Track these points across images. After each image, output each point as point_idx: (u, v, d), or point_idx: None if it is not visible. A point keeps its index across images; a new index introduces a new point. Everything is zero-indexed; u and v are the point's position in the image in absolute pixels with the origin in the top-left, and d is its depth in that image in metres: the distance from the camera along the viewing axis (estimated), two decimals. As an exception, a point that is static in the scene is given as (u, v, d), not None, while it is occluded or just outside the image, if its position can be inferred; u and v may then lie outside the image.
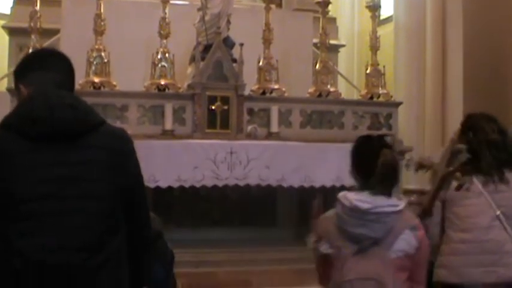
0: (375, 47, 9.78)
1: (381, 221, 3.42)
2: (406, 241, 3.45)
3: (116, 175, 2.67)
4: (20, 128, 2.62)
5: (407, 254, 3.45)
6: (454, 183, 4.44)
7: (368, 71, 9.79)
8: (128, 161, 2.76)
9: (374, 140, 3.84)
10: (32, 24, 8.61)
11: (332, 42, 10.62)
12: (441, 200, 4.47)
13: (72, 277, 2.51)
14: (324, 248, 3.55)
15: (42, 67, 2.85)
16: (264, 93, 9.17)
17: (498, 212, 4.28)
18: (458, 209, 4.37)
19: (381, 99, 9.73)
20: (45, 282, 2.50)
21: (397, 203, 3.52)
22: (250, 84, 9.08)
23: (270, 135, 8.79)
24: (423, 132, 11.02)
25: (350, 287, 3.39)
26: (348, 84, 11.02)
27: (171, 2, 9.00)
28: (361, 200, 3.45)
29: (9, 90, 8.31)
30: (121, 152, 2.73)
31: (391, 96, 9.86)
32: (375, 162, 3.54)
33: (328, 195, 8.47)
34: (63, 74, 2.87)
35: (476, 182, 4.36)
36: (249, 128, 8.67)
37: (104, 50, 8.59)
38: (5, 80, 9.84)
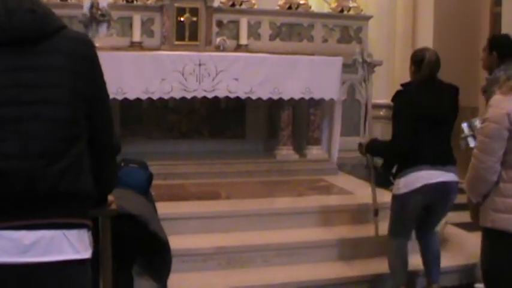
0: (346, -41, 9.69)
1: None
2: None
3: (77, 80, 2.62)
4: None
5: None
6: None
7: (339, -16, 9.71)
8: (90, 66, 2.69)
9: None
10: None
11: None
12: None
13: (34, 183, 2.49)
14: None
15: None
16: (233, 5, 9.10)
17: None
18: None
19: (352, 12, 9.69)
20: (7, 189, 2.48)
21: None
22: (220, -5, 9.00)
23: (239, 48, 8.76)
24: (394, 46, 11.01)
25: None
26: (319, -3, 10.92)
27: None
28: None
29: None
30: (83, 57, 2.66)
31: (362, 10, 9.81)
32: None
33: (297, 107, 8.52)
34: None
35: None
36: (218, 40, 8.62)
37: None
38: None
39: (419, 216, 5.49)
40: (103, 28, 6.09)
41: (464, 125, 5.61)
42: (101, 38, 7.87)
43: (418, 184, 5.26)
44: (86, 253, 2.66)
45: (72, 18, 7.98)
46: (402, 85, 5.62)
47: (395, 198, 5.48)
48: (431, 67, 5.43)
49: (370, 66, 9.17)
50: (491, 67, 6.10)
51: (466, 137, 5.63)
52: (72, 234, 2.59)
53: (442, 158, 5.36)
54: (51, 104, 2.56)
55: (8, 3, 2.57)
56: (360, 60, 6.99)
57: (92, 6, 5.03)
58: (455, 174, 5.41)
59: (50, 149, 2.53)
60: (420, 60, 5.46)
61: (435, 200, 5.39)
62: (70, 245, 2.57)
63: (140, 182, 4.96)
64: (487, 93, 5.85)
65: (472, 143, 5.52)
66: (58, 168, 2.53)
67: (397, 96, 5.52)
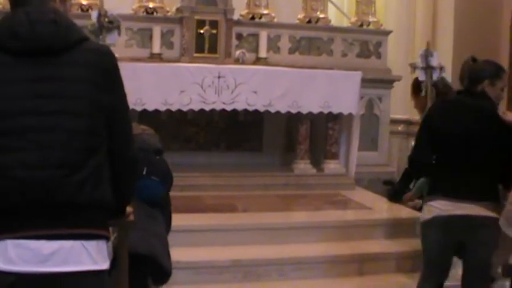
0: (366, -26, 9.69)
1: None
2: None
3: (97, 92, 2.63)
4: (0, 43, 2.57)
5: None
6: None
7: (359, -2, 9.72)
8: (110, 78, 2.71)
9: None
10: None
11: (323, -32, 10.50)
12: None
13: (53, 193, 2.51)
14: None
15: None
16: (253, 18, 9.11)
17: None
18: None
19: (371, 27, 9.68)
20: (28, 198, 2.49)
21: None
22: (240, 9, 9.01)
23: (258, 61, 8.75)
24: (412, 61, 10.97)
25: None
26: (338, 12, 10.91)
27: None
28: None
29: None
30: (103, 69, 2.68)
31: (381, 25, 9.81)
32: None
33: (315, 121, 8.51)
34: None
35: None
36: (237, 52, 8.62)
37: (91, -29, 8.47)
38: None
39: (444, 258, 4.69)
40: (114, 35, 6.11)
41: None
42: (120, 48, 7.89)
43: (429, 215, 4.65)
44: (104, 264, 2.66)
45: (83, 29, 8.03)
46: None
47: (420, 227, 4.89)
48: (460, 78, 4.90)
49: (389, 82, 9.23)
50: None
51: None
52: (91, 245, 2.59)
53: (463, 191, 4.51)
54: (71, 115, 2.57)
55: (31, 14, 2.60)
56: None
57: (99, 15, 5.05)
58: (485, 208, 4.49)
59: (69, 160, 2.54)
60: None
61: (458, 237, 4.57)
62: (89, 256, 2.58)
63: (158, 198, 4.95)
64: None
65: None
66: (77, 179, 2.54)
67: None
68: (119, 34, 6.54)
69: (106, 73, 2.69)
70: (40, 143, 2.51)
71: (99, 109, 2.64)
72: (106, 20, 5.22)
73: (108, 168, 2.70)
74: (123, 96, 2.80)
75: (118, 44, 7.93)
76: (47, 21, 2.59)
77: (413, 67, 6.05)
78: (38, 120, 2.53)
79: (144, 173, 4.79)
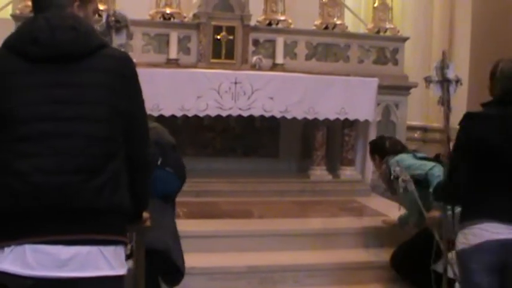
0: (382, -19, 9.68)
1: None
2: None
3: (115, 98, 2.65)
4: (20, 48, 2.60)
5: None
6: None
7: (375, 5, 9.70)
8: (128, 84, 2.73)
9: None
10: None
11: (340, -26, 10.50)
12: None
13: (71, 199, 2.53)
14: None
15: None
16: (270, 24, 9.12)
17: None
18: None
19: (388, 33, 9.66)
20: (45, 203, 2.51)
21: None
22: (257, 15, 9.03)
23: (274, 67, 8.76)
24: (429, 68, 10.95)
25: None
26: (355, 18, 10.91)
27: None
28: None
29: (13, 16, 8.27)
30: (122, 75, 2.70)
31: (398, 31, 9.79)
32: None
33: (331, 127, 8.50)
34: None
35: None
36: (254, 58, 8.63)
37: (109, -23, 8.51)
38: (10, 6, 9.77)
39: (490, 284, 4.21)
40: (122, 35, 6.08)
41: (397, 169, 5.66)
42: (137, 53, 7.93)
43: (478, 240, 4.09)
44: (121, 269, 2.68)
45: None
46: (482, 105, 4.35)
47: (457, 256, 4.37)
48: (504, 83, 4.20)
49: (406, 89, 9.20)
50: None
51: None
52: (109, 250, 2.61)
53: None
54: (88, 121, 2.59)
55: (51, 20, 2.62)
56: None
57: (107, 16, 5.06)
58: None
59: (86, 166, 2.55)
60: (493, 74, 4.27)
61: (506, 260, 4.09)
62: (106, 261, 2.60)
63: (172, 192, 4.97)
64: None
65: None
66: (95, 184, 2.56)
67: (460, 122, 4.25)
68: (128, 34, 6.53)
69: (125, 79, 2.71)
70: (57, 148, 2.54)
71: (117, 115, 2.65)
72: (113, 19, 5.21)
73: (126, 174, 2.71)
74: (141, 102, 2.81)
75: (135, 49, 8.00)
76: (67, 28, 2.61)
77: (428, 81, 5.78)
78: (55, 126, 2.55)
79: (159, 163, 4.79)
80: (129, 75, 2.74)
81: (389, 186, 6.30)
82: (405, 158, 6.11)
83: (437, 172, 5.68)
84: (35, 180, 2.51)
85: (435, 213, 5.58)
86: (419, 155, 6.33)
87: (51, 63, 2.59)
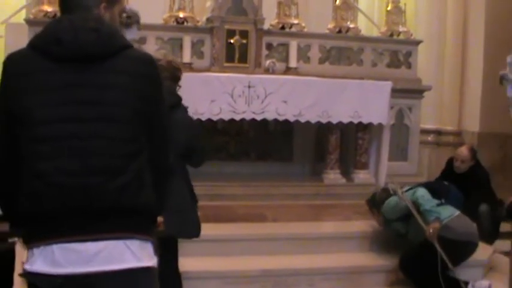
0: (396, -16, 9.67)
1: None
2: None
3: (137, 99, 2.65)
4: (44, 48, 2.62)
5: None
6: None
7: (389, 8, 9.69)
8: (151, 85, 2.72)
9: None
10: None
11: (353, -22, 10.50)
12: None
13: (95, 199, 2.54)
14: None
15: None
16: (283, 28, 9.12)
17: None
18: None
19: (401, 37, 9.65)
20: (69, 204, 2.53)
21: None
22: (270, 18, 9.04)
23: (288, 70, 8.76)
24: (442, 71, 10.95)
25: None
26: (368, 21, 10.91)
27: None
28: None
29: (27, 21, 8.32)
30: (144, 76, 2.69)
31: (412, 35, 9.77)
32: None
33: (345, 131, 8.50)
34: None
35: None
36: (267, 62, 8.64)
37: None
38: (23, 12, 9.84)
39: None
40: (133, 31, 6.10)
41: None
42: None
43: None
44: (149, 261, 2.69)
45: (124, 39, 8.09)
46: None
47: None
48: None
49: (420, 92, 9.18)
50: None
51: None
52: (134, 244, 2.63)
53: None
54: (111, 122, 2.60)
55: (74, 22, 2.64)
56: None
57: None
58: None
59: (110, 166, 2.57)
60: None
61: None
62: (132, 254, 2.61)
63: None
64: None
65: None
66: (118, 184, 2.57)
67: None
68: (138, 29, 6.53)
69: (148, 82, 2.71)
70: (78, 149, 2.55)
71: (139, 116, 2.65)
72: (124, 15, 5.20)
73: (149, 173, 2.71)
74: (162, 104, 2.81)
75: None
76: (89, 29, 2.62)
77: (503, 79, 5.35)
78: (77, 127, 2.56)
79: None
80: (152, 77, 2.74)
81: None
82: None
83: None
84: (57, 181, 2.52)
85: (435, 225, 5.70)
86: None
87: (74, 64, 2.60)
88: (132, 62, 2.69)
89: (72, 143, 2.55)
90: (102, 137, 2.58)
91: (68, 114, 2.56)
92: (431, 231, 5.77)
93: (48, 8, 8.31)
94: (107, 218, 2.57)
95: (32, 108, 2.57)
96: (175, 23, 8.75)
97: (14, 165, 2.61)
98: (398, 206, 6.16)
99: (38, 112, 2.56)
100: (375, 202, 6.57)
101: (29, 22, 8.19)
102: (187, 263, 5.36)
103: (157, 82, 2.77)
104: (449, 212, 6.02)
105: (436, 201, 6.09)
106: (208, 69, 8.41)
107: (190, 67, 8.39)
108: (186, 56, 8.46)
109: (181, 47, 8.53)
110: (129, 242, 2.61)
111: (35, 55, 2.62)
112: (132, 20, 6.18)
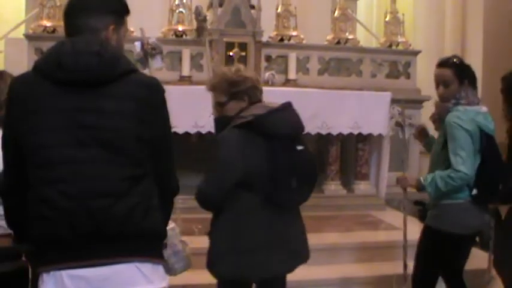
0: (394, -5, 9.71)
1: None
2: None
3: (139, 125, 2.62)
4: (47, 72, 2.60)
5: None
6: None
7: (387, 19, 9.72)
8: (154, 111, 2.69)
9: None
10: None
11: (351, -11, 10.54)
12: None
13: (103, 223, 2.54)
14: None
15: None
16: (282, 40, 9.15)
17: None
18: None
19: (400, 47, 9.67)
20: (76, 228, 2.53)
21: None
22: (269, 31, 9.06)
23: (287, 82, 8.78)
24: (441, 81, 10.95)
25: None
26: (367, 32, 10.94)
27: None
28: None
29: (26, 36, 8.33)
30: (148, 102, 2.66)
31: (410, 45, 9.80)
32: None
33: (345, 142, 8.50)
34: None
35: None
36: (267, 74, 8.65)
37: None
38: (22, 27, 9.85)
39: None
40: (158, 60, 6.19)
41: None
42: (150, 71, 7.96)
43: None
44: (161, 283, 2.69)
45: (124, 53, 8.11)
46: None
47: None
48: None
49: (419, 103, 9.17)
50: None
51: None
52: (146, 266, 2.62)
53: None
54: (110, 147, 2.58)
55: (76, 45, 2.61)
56: (401, 123, 6.06)
57: (142, 44, 5.15)
58: None
59: (110, 190, 2.55)
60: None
61: None
62: (143, 276, 2.61)
63: None
64: None
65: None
66: (122, 207, 2.56)
67: None
68: (162, 59, 6.62)
69: (149, 107, 2.67)
70: (80, 173, 2.54)
71: (141, 142, 2.64)
72: (150, 47, 5.33)
73: (156, 195, 2.71)
74: (167, 129, 2.80)
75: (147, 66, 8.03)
76: (91, 53, 2.59)
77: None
78: (77, 151, 2.55)
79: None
80: (156, 103, 2.72)
81: None
82: None
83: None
84: (61, 205, 2.52)
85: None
86: None
87: (76, 88, 2.57)
88: (135, 86, 2.66)
89: (72, 167, 2.54)
90: (101, 161, 2.56)
91: (67, 139, 2.55)
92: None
93: (47, 23, 8.34)
94: (116, 242, 2.56)
95: (33, 132, 2.56)
96: (174, 36, 8.78)
97: (24, 189, 2.61)
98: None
99: (38, 136, 2.56)
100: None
101: (28, 37, 8.21)
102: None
103: (160, 108, 2.74)
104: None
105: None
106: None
107: (189, 80, 8.41)
108: (186, 69, 8.48)
109: (180, 60, 8.55)
110: (140, 265, 2.60)
111: (38, 78, 2.61)
112: (156, 51, 6.30)
